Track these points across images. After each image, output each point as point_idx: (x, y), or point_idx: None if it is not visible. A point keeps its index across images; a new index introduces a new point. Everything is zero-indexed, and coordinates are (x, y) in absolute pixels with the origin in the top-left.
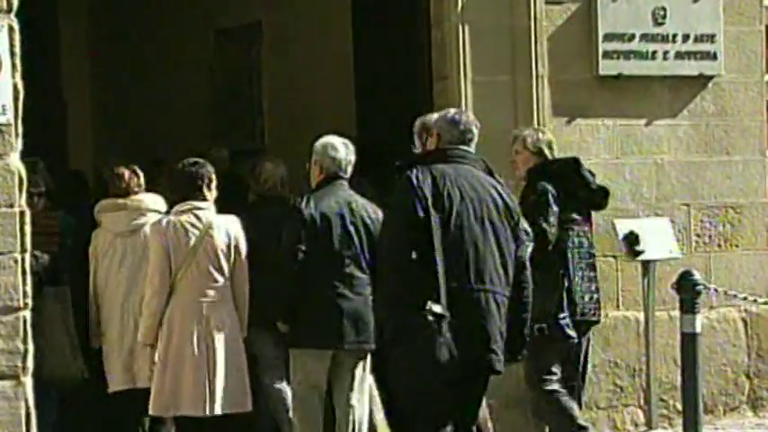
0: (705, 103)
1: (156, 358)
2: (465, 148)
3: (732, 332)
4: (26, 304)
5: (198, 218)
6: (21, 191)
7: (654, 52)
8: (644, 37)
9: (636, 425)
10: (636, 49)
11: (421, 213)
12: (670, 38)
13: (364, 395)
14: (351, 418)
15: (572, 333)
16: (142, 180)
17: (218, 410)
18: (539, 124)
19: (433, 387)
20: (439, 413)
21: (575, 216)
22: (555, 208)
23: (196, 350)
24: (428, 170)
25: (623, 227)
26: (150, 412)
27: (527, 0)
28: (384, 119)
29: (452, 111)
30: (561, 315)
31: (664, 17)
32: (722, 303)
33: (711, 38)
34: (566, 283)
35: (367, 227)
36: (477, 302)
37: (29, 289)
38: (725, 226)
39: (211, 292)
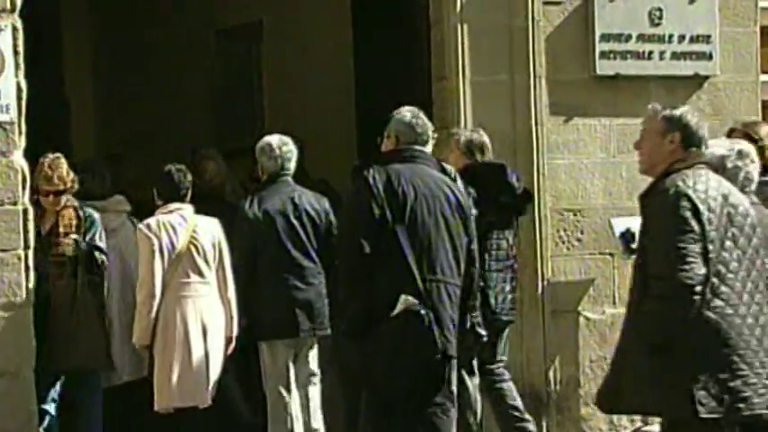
0: (701, 102)
1: (156, 356)
2: (420, 148)
3: None
4: (29, 300)
5: (184, 218)
6: (24, 188)
7: (650, 52)
8: (640, 37)
9: (632, 420)
10: (632, 50)
11: (376, 211)
12: (666, 38)
13: (317, 379)
14: (311, 403)
15: (482, 331)
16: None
17: (209, 401)
18: (536, 123)
19: (404, 375)
20: (404, 398)
21: (493, 220)
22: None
23: (195, 344)
24: (383, 170)
25: (620, 225)
26: (156, 408)
27: (525, 0)
28: (383, 118)
29: (408, 114)
30: (474, 313)
31: (660, 18)
32: None
33: (707, 38)
34: (480, 283)
35: (311, 218)
36: (429, 293)
37: (32, 285)
38: None
39: (201, 289)
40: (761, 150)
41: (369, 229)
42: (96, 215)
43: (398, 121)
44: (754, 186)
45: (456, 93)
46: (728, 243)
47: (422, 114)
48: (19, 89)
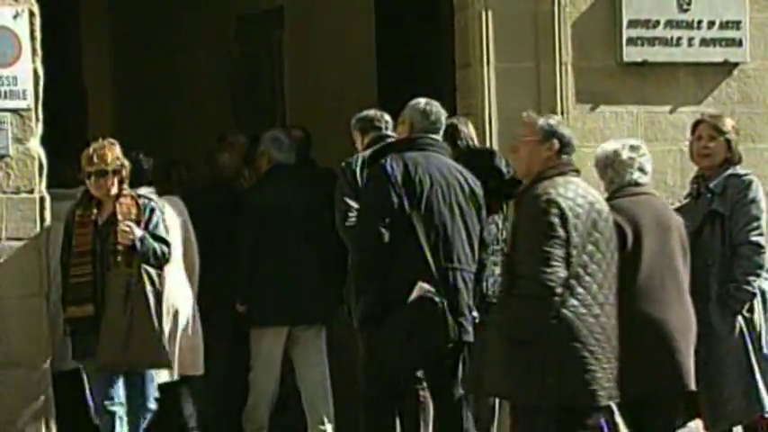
0: (730, 90)
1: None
2: (433, 136)
3: None
4: (46, 290)
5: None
6: (41, 176)
7: (679, 39)
8: (669, 23)
9: None
10: (660, 36)
11: (395, 198)
12: (695, 24)
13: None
14: (320, 387)
15: (475, 314)
16: None
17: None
18: (562, 111)
19: (415, 361)
20: (411, 383)
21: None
22: None
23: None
24: (401, 158)
25: None
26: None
27: None
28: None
29: (422, 101)
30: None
31: (689, 3)
32: None
33: (737, 24)
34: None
35: (310, 208)
36: (446, 280)
37: (49, 275)
38: None
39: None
40: (727, 143)
41: (388, 218)
42: (155, 204)
43: (413, 108)
44: (647, 178)
45: (480, 80)
46: (591, 247)
47: (435, 103)
48: (36, 75)
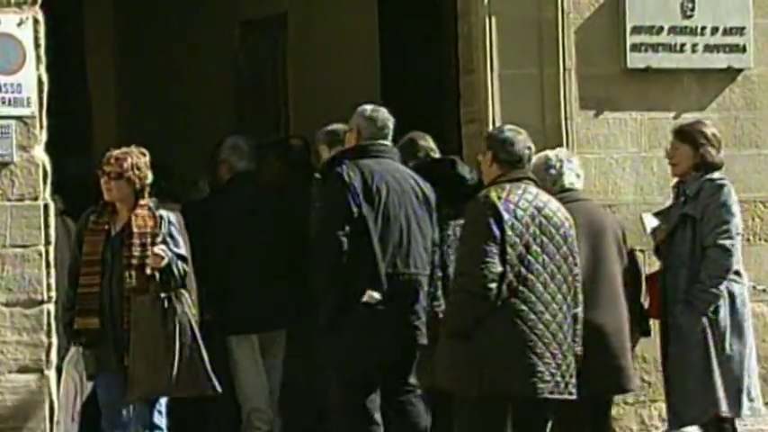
0: (734, 96)
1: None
2: (384, 142)
3: (761, 327)
4: (50, 297)
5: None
6: (45, 183)
7: (682, 45)
8: (672, 29)
9: (663, 420)
10: (664, 42)
11: (354, 207)
12: (699, 30)
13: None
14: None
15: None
16: None
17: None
18: (566, 117)
19: (374, 363)
20: (373, 384)
21: (449, 211)
22: None
23: None
24: (356, 166)
25: (651, 220)
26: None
27: None
28: (410, 112)
29: (369, 108)
30: (435, 303)
31: (692, 9)
32: (751, 298)
33: (740, 30)
34: (439, 273)
35: (279, 217)
36: (405, 286)
37: (53, 281)
38: (754, 220)
39: None
40: (694, 149)
41: (347, 225)
42: (173, 216)
43: (359, 115)
44: (581, 183)
45: (484, 86)
46: (536, 248)
47: (382, 109)
48: (40, 82)
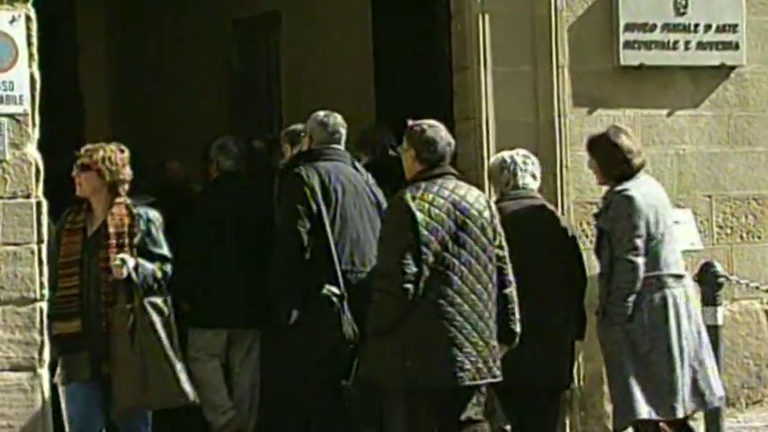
0: (727, 93)
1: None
2: (336, 146)
3: (755, 324)
4: (43, 295)
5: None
6: (38, 181)
7: (675, 42)
8: (665, 27)
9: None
10: (657, 39)
11: (314, 205)
12: (692, 28)
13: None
14: (248, 392)
15: None
16: None
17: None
18: (559, 115)
19: (336, 357)
20: (335, 378)
21: None
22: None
23: None
24: (313, 168)
25: None
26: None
27: None
28: (403, 110)
29: (321, 114)
30: None
31: (685, 7)
32: (744, 295)
33: (734, 28)
34: None
35: (259, 217)
36: (363, 282)
37: (45, 280)
38: (747, 217)
39: None
40: (598, 160)
41: (307, 224)
42: (153, 213)
43: (312, 120)
44: (537, 183)
45: (477, 83)
46: (452, 244)
47: (335, 114)
48: (32, 80)
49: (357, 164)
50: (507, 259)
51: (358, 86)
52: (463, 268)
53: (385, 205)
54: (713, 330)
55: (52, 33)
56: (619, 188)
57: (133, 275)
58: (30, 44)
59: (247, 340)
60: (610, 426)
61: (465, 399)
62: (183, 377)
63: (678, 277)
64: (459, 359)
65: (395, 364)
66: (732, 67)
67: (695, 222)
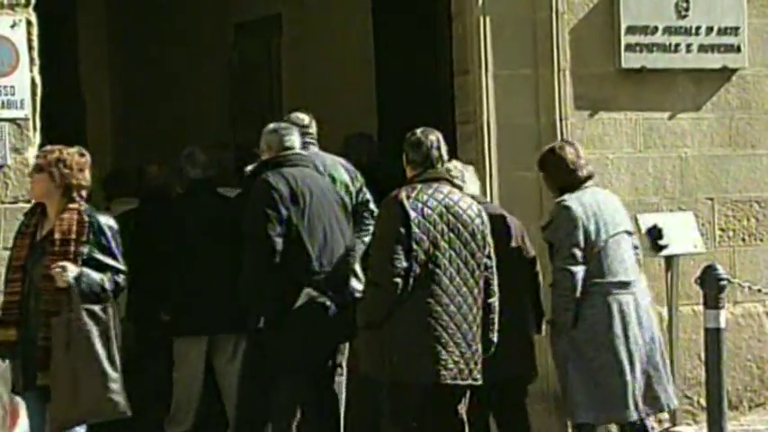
0: (729, 96)
1: None
2: (299, 152)
3: (757, 327)
4: None
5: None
6: None
7: (677, 45)
8: (667, 30)
9: (660, 421)
10: (659, 42)
11: (284, 211)
12: (693, 30)
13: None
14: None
15: None
16: None
17: None
18: (561, 118)
19: (318, 355)
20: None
21: None
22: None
23: None
24: (279, 173)
25: (647, 221)
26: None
27: None
28: (404, 113)
29: (272, 125)
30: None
31: (687, 9)
32: (747, 298)
33: (735, 30)
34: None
35: (232, 220)
36: (332, 283)
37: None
38: (749, 220)
39: None
40: (543, 173)
41: (278, 228)
42: (107, 222)
43: (266, 133)
44: (476, 188)
45: (478, 87)
46: (443, 244)
47: (283, 124)
48: (33, 84)
49: (348, 166)
50: (494, 270)
51: (359, 90)
52: (452, 270)
53: (350, 207)
54: (716, 333)
55: (53, 37)
56: (558, 199)
57: (72, 284)
58: (31, 48)
59: (230, 345)
60: (612, 428)
61: (450, 397)
62: (115, 387)
63: (625, 284)
64: (443, 357)
65: (382, 358)
66: (734, 70)
67: (697, 225)
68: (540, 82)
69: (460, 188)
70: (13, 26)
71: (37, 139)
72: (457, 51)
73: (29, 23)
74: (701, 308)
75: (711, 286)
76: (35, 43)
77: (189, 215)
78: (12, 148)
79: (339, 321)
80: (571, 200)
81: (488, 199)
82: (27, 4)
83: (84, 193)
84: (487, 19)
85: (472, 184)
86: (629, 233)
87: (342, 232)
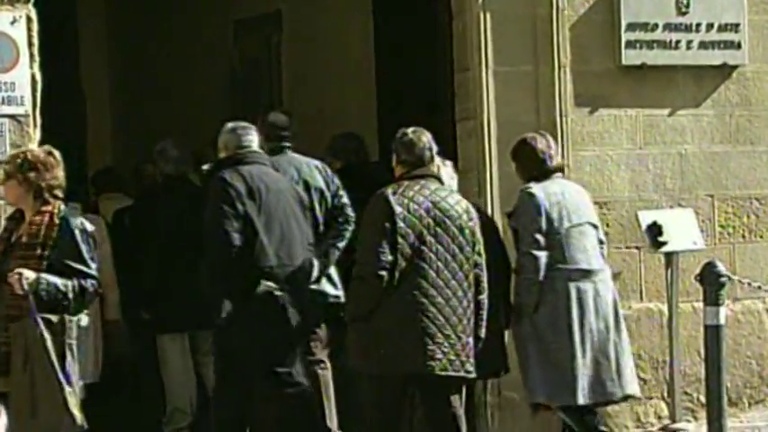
0: (729, 92)
1: None
2: (255, 149)
3: (756, 324)
4: None
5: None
6: None
7: (677, 42)
8: (667, 26)
9: (659, 418)
10: (659, 39)
11: (240, 207)
12: (693, 27)
13: None
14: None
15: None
16: None
17: None
18: (561, 115)
19: (279, 347)
20: (279, 366)
21: None
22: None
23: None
24: (235, 170)
25: (647, 218)
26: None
27: None
28: (405, 110)
29: (230, 125)
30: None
31: (687, 6)
32: (746, 295)
33: (735, 27)
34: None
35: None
36: (290, 276)
37: None
38: (749, 217)
39: None
40: (515, 163)
41: (236, 224)
42: (80, 224)
43: (223, 133)
44: (455, 184)
45: (479, 84)
46: (429, 238)
47: (244, 123)
48: (34, 81)
49: (322, 166)
50: (484, 266)
51: (359, 86)
52: (439, 263)
53: (307, 202)
54: (715, 330)
55: (53, 33)
56: (524, 186)
57: (26, 290)
58: (31, 45)
59: (209, 342)
60: (612, 426)
61: (441, 389)
62: (72, 401)
63: (586, 273)
64: (430, 348)
65: (370, 351)
66: (734, 67)
67: (697, 222)
68: (541, 79)
69: (442, 182)
70: (13, 22)
71: (37, 135)
72: (457, 48)
73: (29, 20)
74: (700, 305)
75: (711, 283)
76: (35, 40)
77: (162, 212)
78: (12, 145)
79: (294, 318)
80: (536, 187)
81: (488, 196)
82: (27, 1)
83: (57, 192)
84: (488, 16)
85: (449, 180)
86: (594, 226)
87: (299, 227)
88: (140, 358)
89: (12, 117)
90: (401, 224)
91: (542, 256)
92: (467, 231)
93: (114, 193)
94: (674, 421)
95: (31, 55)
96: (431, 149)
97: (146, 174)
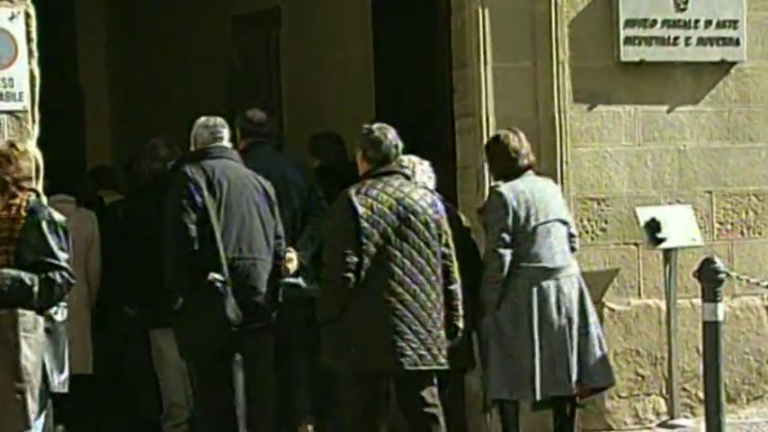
0: (728, 89)
1: None
2: (221, 144)
3: (755, 320)
4: None
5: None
6: (38, 178)
7: (676, 38)
8: (666, 23)
9: (657, 414)
10: (658, 35)
11: (198, 199)
12: (692, 24)
13: None
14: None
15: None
16: None
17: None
18: (559, 111)
19: (221, 341)
20: (209, 362)
21: None
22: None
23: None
24: (198, 165)
25: (645, 214)
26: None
27: None
28: (403, 106)
29: (203, 118)
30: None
31: (686, 3)
32: (745, 291)
33: (734, 24)
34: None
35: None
36: (251, 269)
37: None
38: (747, 213)
39: None
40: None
41: (193, 215)
42: (48, 216)
43: (196, 126)
44: (432, 184)
45: (477, 80)
46: (395, 237)
47: (215, 118)
48: (32, 77)
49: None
50: (453, 257)
51: (358, 82)
52: (405, 260)
53: (274, 196)
54: (714, 326)
55: (52, 29)
56: (493, 185)
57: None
58: (29, 41)
59: None
60: (611, 423)
61: (414, 383)
62: (30, 406)
63: (549, 271)
64: (399, 344)
65: (342, 350)
66: (732, 63)
67: (695, 218)
68: (539, 75)
69: (407, 177)
70: (11, 18)
71: (35, 131)
72: (455, 44)
73: (27, 16)
74: (699, 301)
75: (709, 279)
76: (34, 35)
77: (149, 209)
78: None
79: (242, 307)
80: (504, 186)
81: (487, 192)
82: None
83: (24, 183)
84: (486, 12)
85: (427, 180)
86: (563, 222)
87: (263, 221)
88: (134, 354)
89: (10, 113)
90: (365, 224)
91: (507, 254)
92: (432, 225)
93: (107, 190)
94: (672, 417)
95: (30, 51)
96: (396, 146)
97: (138, 170)
